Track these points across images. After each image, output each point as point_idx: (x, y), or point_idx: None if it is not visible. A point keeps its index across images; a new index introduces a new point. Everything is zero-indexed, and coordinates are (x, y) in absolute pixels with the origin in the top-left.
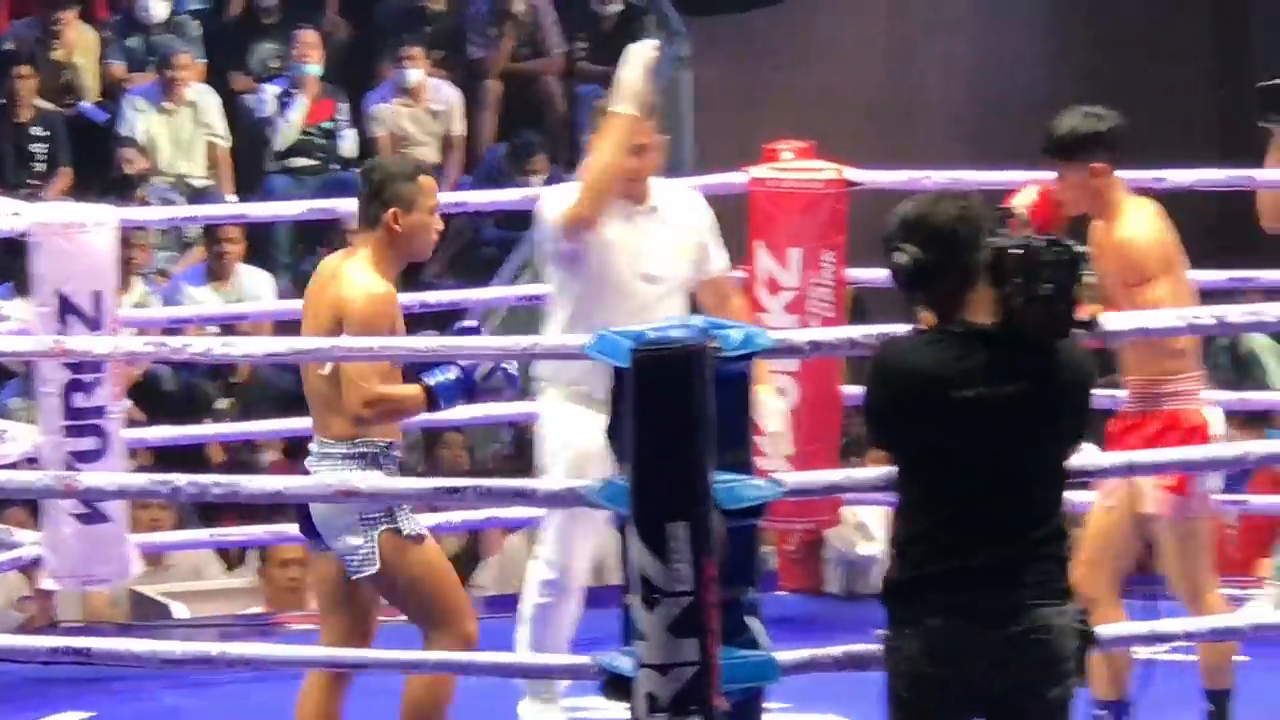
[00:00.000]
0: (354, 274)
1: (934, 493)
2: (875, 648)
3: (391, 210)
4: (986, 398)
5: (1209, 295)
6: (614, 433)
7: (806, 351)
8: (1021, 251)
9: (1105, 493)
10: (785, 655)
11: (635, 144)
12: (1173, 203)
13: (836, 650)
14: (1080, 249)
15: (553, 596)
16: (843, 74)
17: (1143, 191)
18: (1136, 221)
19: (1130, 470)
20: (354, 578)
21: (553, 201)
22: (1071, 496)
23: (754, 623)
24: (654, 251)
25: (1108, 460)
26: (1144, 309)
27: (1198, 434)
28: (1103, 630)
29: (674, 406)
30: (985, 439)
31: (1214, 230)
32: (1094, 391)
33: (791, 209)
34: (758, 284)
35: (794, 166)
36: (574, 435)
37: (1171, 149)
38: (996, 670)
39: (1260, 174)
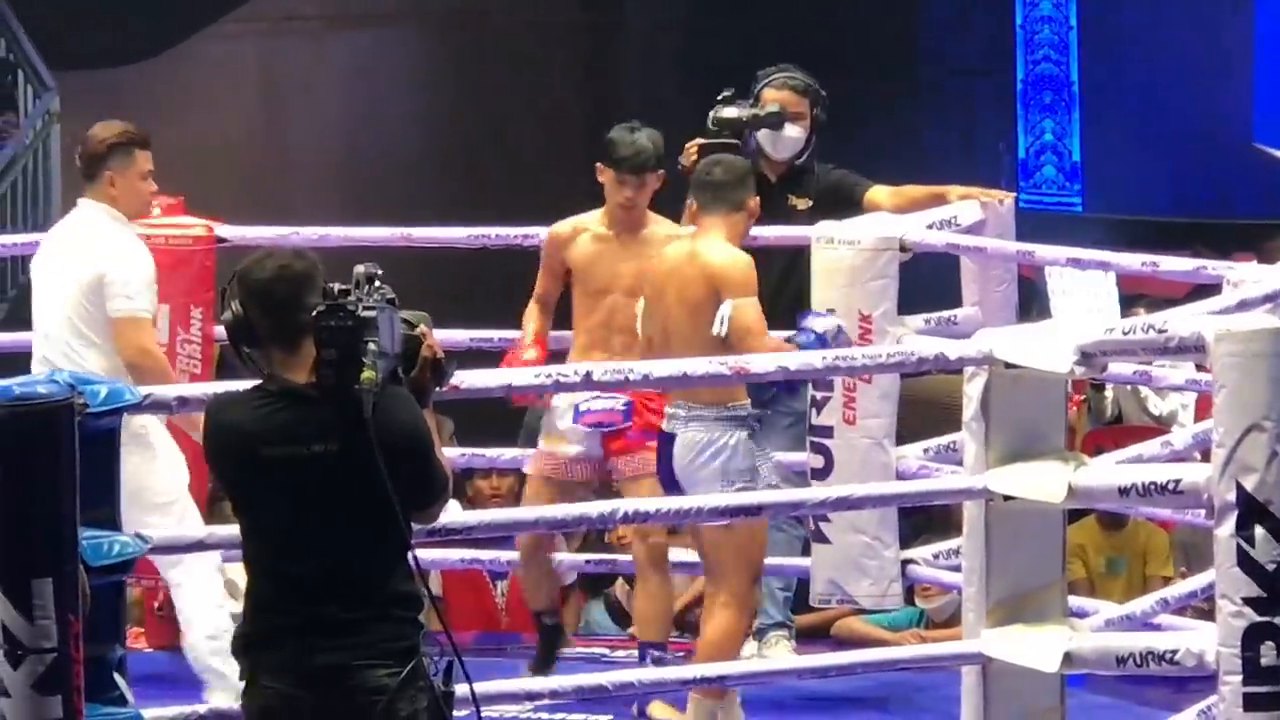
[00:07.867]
0: (721, 249)
1: (260, 548)
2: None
3: (754, 199)
4: (293, 456)
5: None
6: None
7: (174, 408)
8: (314, 317)
9: None
10: (151, 712)
11: None
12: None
13: (203, 708)
14: (369, 314)
15: None
16: (215, 128)
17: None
18: None
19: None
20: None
21: None
22: None
23: (120, 680)
24: None
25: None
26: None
27: None
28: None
29: (39, 462)
30: (295, 497)
31: None
32: (420, 449)
33: (161, 265)
34: None
35: (163, 222)
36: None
37: (552, 208)
38: None
39: None
